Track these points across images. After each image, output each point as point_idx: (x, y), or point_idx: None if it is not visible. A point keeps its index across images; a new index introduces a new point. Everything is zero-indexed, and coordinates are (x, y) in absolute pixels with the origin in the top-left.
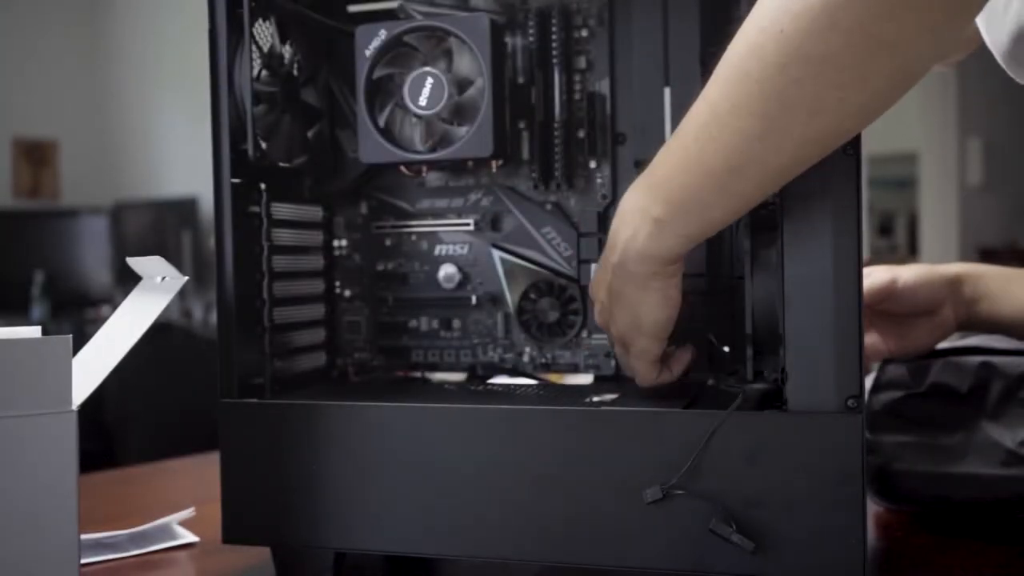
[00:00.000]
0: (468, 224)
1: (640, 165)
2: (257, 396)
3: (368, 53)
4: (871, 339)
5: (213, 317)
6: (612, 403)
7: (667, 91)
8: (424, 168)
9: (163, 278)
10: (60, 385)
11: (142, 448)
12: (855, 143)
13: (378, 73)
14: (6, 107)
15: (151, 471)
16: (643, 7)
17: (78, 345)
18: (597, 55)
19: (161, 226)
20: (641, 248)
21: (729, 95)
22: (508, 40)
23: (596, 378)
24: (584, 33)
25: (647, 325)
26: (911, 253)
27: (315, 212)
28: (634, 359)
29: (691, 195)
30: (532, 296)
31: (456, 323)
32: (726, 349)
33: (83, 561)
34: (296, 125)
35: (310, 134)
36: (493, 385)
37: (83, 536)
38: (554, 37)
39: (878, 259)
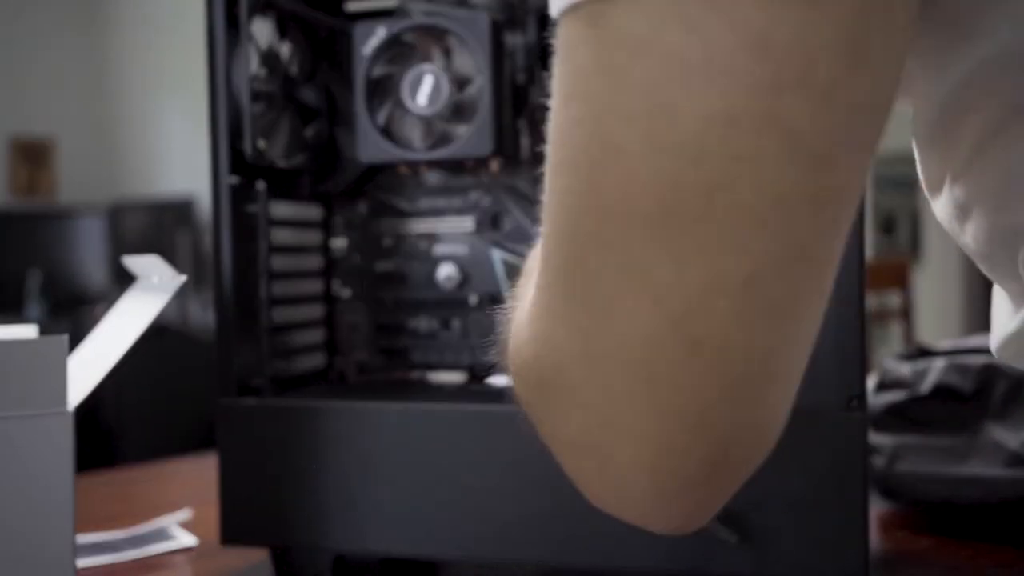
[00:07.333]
0: (468, 224)
1: None
2: (256, 396)
3: (367, 52)
4: None
5: (211, 317)
6: None
7: None
8: (423, 167)
9: (160, 277)
10: (56, 385)
11: (139, 449)
12: None
13: (377, 72)
14: (3, 106)
15: (148, 472)
16: None
17: (75, 345)
18: None
19: (158, 226)
20: None
21: None
22: (508, 38)
23: None
24: None
25: None
26: (913, 251)
27: (314, 212)
28: None
29: None
30: None
31: (456, 323)
32: None
33: (80, 563)
34: (294, 124)
35: (308, 133)
36: (493, 385)
37: (80, 537)
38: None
39: (881, 257)
